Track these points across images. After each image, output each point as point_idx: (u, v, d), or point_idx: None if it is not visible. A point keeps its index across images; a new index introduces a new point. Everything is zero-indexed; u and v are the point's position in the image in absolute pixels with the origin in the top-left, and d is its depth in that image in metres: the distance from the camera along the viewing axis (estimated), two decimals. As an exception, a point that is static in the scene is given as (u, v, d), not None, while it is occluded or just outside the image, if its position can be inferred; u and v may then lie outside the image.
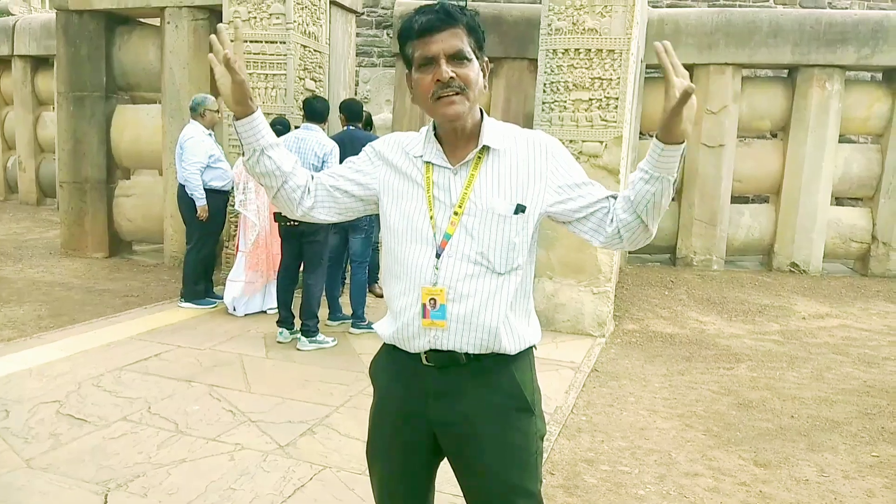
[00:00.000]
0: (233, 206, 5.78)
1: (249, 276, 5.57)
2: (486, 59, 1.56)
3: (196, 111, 5.83)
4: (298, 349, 4.81)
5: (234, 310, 5.59)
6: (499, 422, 1.56)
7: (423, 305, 1.52)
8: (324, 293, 5.21)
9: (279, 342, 4.94)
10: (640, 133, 8.58)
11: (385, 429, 1.66)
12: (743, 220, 8.41)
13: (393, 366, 1.64)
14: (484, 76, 1.55)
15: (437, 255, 1.53)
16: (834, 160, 8.03)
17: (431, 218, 1.54)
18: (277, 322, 5.01)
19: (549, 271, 5.58)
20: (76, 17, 7.47)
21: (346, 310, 5.48)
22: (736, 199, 8.50)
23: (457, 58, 1.48)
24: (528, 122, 7.83)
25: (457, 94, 1.48)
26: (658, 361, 4.99)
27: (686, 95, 1.34)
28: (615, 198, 1.57)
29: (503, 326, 1.55)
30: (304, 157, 4.79)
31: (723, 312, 6.48)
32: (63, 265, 7.41)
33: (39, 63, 11.18)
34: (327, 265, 5.12)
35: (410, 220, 1.56)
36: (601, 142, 5.29)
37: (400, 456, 1.64)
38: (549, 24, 5.28)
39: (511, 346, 1.56)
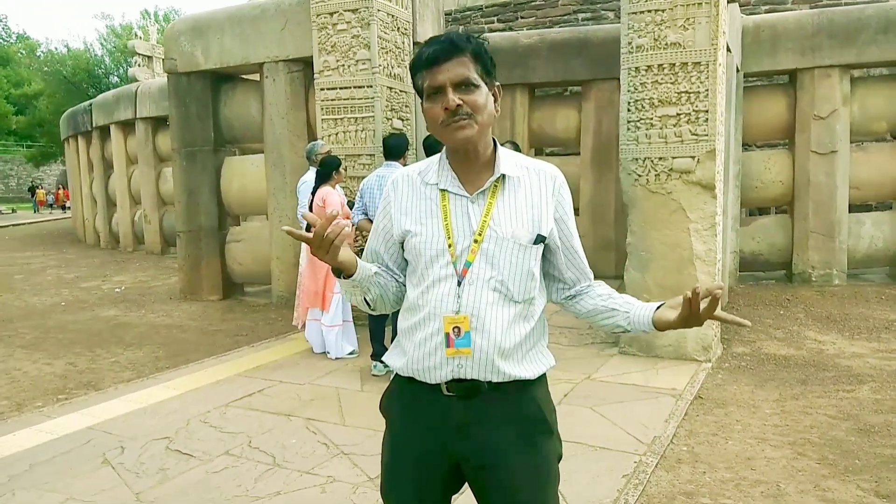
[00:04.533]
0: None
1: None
2: (496, 84, 1.58)
3: (310, 158, 6.03)
4: (393, 382, 4.87)
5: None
6: (524, 448, 1.55)
7: (447, 334, 1.52)
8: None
9: (374, 375, 5.03)
10: (745, 144, 8.20)
11: (402, 463, 1.62)
12: (864, 230, 7.81)
13: (409, 398, 1.62)
14: (496, 100, 1.57)
15: (458, 284, 1.53)
16: (966, 159, 7.34)
17: (450, 246, 1.54)
18: (372, 355, 5.10)
19: (645, 294, 5.37)
20: (185, 78, 8.08)
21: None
22: (855, 208, 7.92)
23: (463, 85, 1.50)
24: (619, 143, 7.68)
25: (465, 119, 1.50)
26: (770, 386, 4.67)
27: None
28: (588, 283, 1.69)
29: (525, 354, 1.56)
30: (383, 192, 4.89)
31: (844, 330, 6.00)
32: (181, 309, 7.92)
33: (159, 123, 12.16)
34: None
35: (429, 249, 1.56)
36: (693, 157, 5.09)
37: (418, 490, 1.61)
38: (630, 42, 5.17)
39: (532, 373, 1.57)
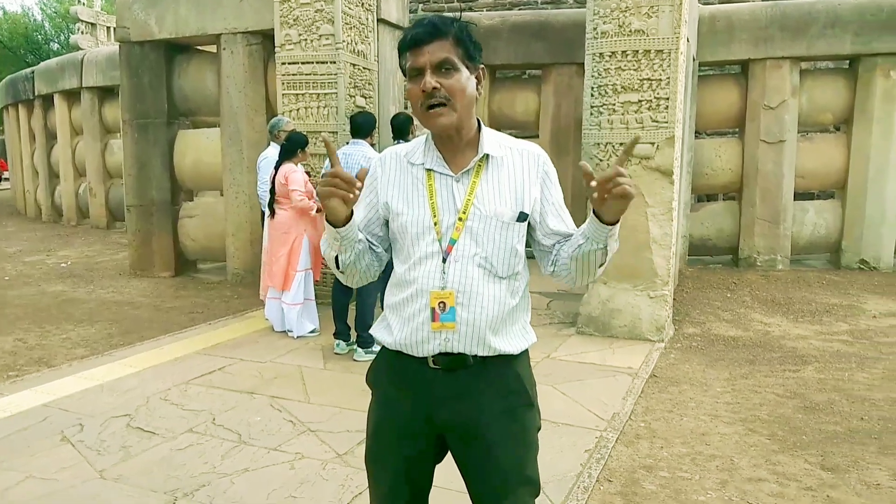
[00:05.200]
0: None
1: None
2: (480, 67, 1.61)
3: (272, 133, 5.92)
4: (355, 360, 4.89)
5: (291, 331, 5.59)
6: (506, 419, 1.61)
7: (433, 309, 1.57)
8: (378, 303, 5.29)
9: (336, 353, 5.03)
10: (697, 132, 8.41)
11: (388, 433, 1.67)
12: (808, 218, 8.13)
13: (396, 371, 1.66)
14: (479, 83, 1.61)
15: (444, 260, 1.58)
16: (903, 151, 7.70)
17: (436, 224, 1.58)
18: (334, 334, 5.10)
19: (603, 276, 5.50)
20: (138, 48, 7.82)
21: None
22: (800, 196, 8.23)
23: (443, 67, 1.53)
24: (579, 126, 7.79)
25: (442, 105, 1.54)
26: (720, 365, 4.86)
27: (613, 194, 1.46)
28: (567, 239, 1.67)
29: (509, 329, 1.62)
30: (351, 171, 4.86)
31: (788, 313, 6.27)
32: (132, 285, 7.73)
33: (106, 93, 11.73)
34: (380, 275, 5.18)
35: (415, 226, 1.60)
36: (653, 143, 5.21)
37: (404, 462, 1.66)
38: (595, 28, 5.24)
39: (515, 348, 1.63)
